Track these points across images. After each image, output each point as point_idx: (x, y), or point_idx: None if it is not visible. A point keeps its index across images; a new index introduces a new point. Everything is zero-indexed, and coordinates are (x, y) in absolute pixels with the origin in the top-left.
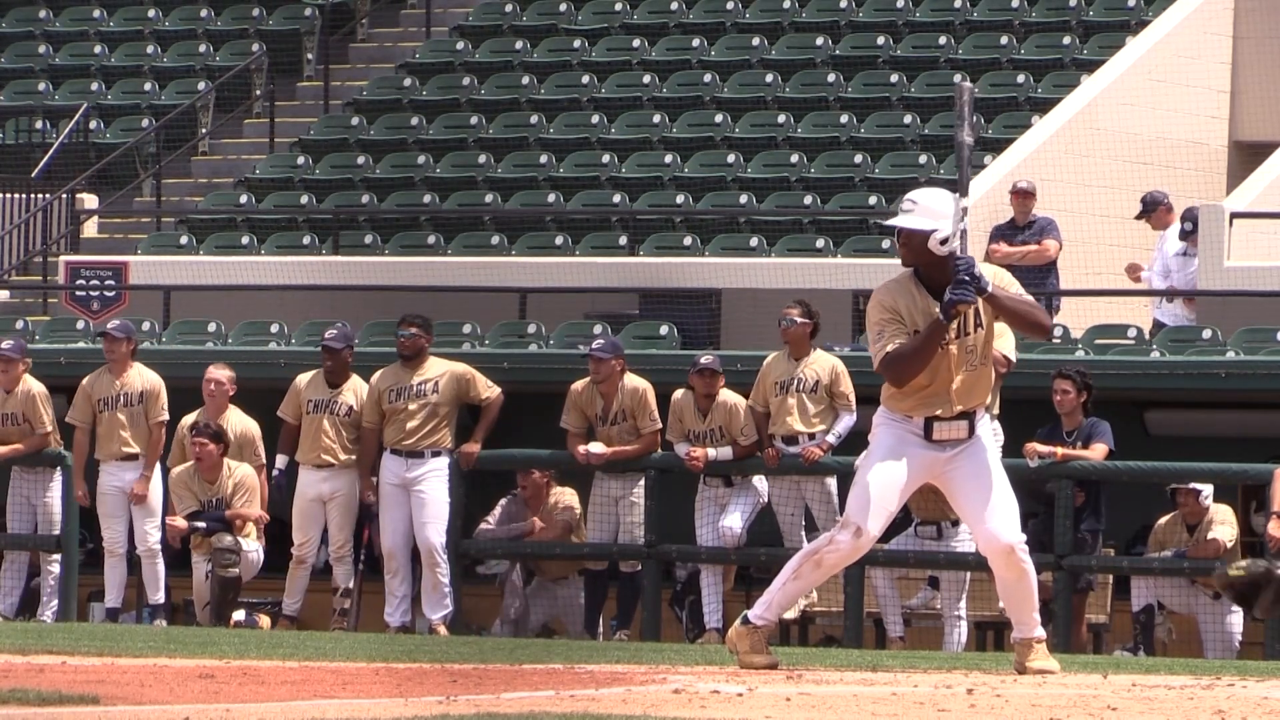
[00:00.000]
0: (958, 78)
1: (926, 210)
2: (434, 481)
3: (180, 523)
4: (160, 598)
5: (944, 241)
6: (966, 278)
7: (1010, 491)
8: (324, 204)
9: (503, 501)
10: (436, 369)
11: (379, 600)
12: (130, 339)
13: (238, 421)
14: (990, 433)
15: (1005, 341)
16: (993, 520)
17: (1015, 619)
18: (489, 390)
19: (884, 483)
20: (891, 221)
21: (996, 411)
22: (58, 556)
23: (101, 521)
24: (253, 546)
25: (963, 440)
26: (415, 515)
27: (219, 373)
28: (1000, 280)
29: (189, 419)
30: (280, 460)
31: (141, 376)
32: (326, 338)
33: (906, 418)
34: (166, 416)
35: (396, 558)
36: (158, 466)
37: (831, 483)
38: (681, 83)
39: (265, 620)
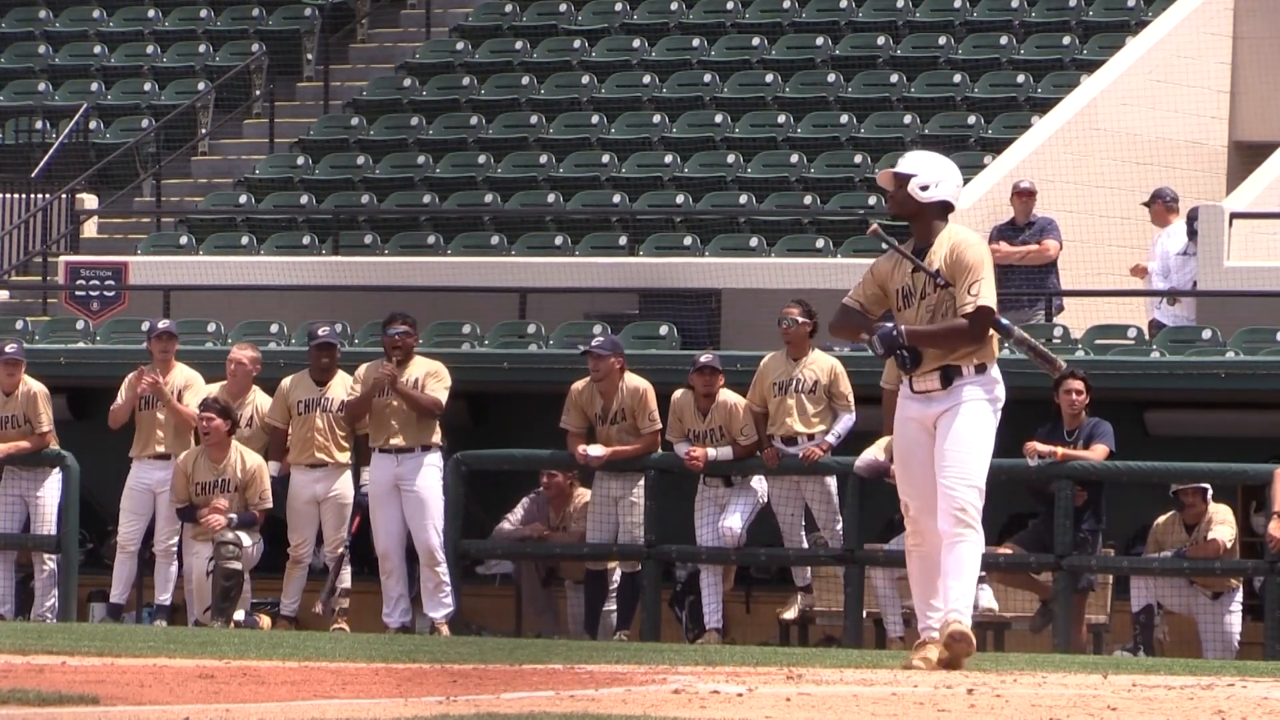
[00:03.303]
0: (958, 77)
1: (913, 161)
2: (427, 479)
3: (219, 520)
4: (167, 599)
5: (925, 188)
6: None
7: (969, 456)
8: (324, 204)
9: (524, 501)
10: (420, 367)
11: (373, 599)
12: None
13: (262, 402)
14: (979, 394)
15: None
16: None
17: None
18: (441, 392)
19: (898, 454)
20: (880, 171)
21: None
22: (53, 555)
23: (122, 516)
24: (251, 540)
25: (939, 390)
26: (410, 515)
27: (241, 353)
28: (959, 256)
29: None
30: (273, 467)
31: (183, 374)
32: (323, 335)
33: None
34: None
35: (391, 558)
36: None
37: (831, 482)
38: (681, 83)
39: (266, 620)
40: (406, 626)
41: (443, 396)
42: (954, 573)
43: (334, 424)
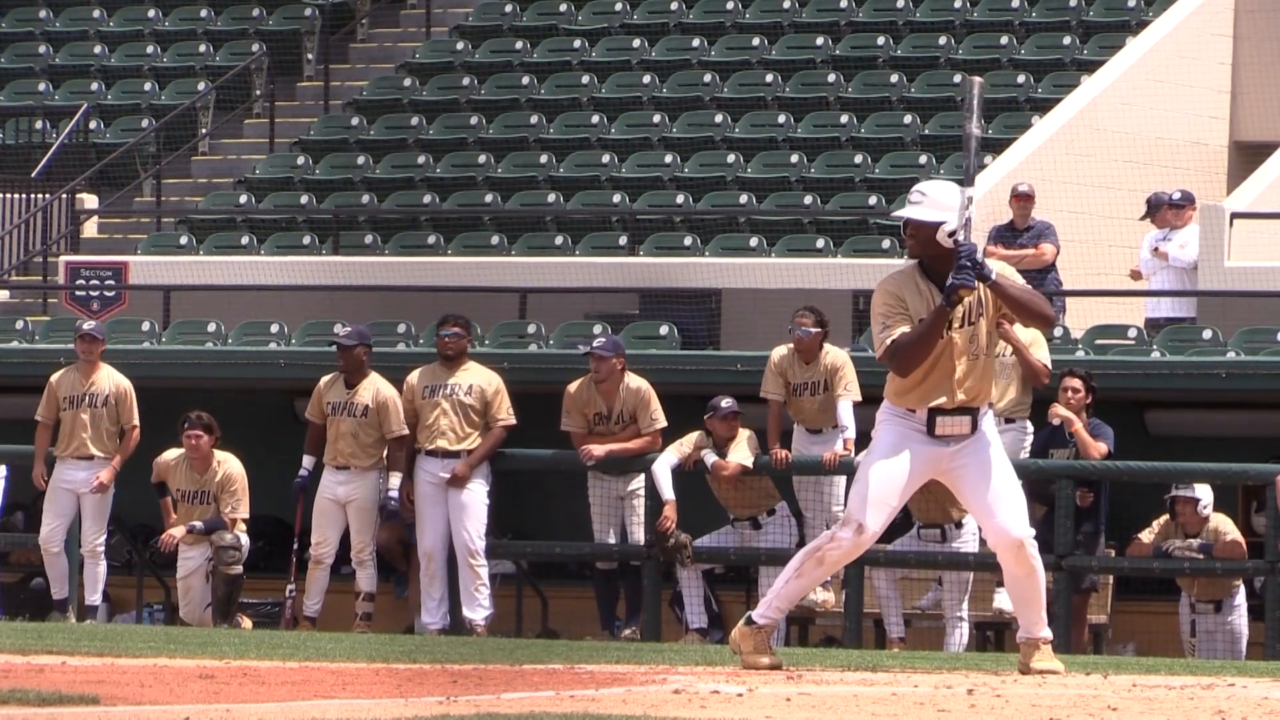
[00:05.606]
0: (958, 77)
1: (935, 203)
2: (473, 482)
3: (178, 532)
4: (98, 599)
5: (952, 234)
6: (969, 263)
7: (1018, 486)
8: (324, 204)
9: None
10: (476, 374)
11: (384, 600)
12: (104, 340)
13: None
14: (994, 427)
15: (1041, 350)
16: (1001, 515)
17: (1022, 618)
18: (507, 417)
19: (885, 479)
20: (900, 213)
21: (1028, 413)
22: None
23: (44, 516)
24: (242, 540)
25: (966, 436)
26: (453, 515)
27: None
28: (1004, 272)
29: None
30: (307, 461)
31: (111, 379)
32: (339, 336)
33: (909, 413)
34: (137, 421)
35: (435, 559)
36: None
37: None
38: (681, 83)
39: (247, 622)
40: (446, 629)
41: (510, 418)
42: (1042, 596)
43: (360, 429)
